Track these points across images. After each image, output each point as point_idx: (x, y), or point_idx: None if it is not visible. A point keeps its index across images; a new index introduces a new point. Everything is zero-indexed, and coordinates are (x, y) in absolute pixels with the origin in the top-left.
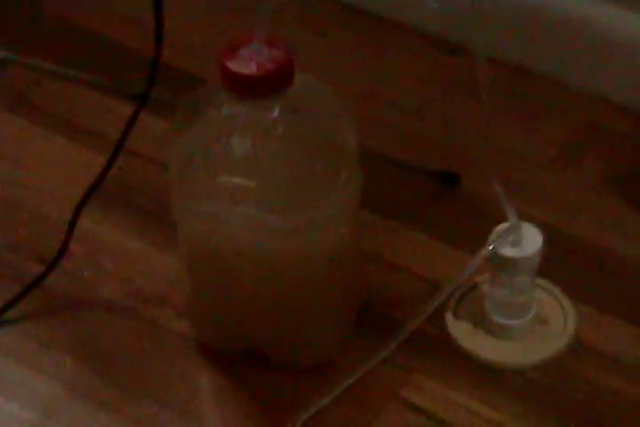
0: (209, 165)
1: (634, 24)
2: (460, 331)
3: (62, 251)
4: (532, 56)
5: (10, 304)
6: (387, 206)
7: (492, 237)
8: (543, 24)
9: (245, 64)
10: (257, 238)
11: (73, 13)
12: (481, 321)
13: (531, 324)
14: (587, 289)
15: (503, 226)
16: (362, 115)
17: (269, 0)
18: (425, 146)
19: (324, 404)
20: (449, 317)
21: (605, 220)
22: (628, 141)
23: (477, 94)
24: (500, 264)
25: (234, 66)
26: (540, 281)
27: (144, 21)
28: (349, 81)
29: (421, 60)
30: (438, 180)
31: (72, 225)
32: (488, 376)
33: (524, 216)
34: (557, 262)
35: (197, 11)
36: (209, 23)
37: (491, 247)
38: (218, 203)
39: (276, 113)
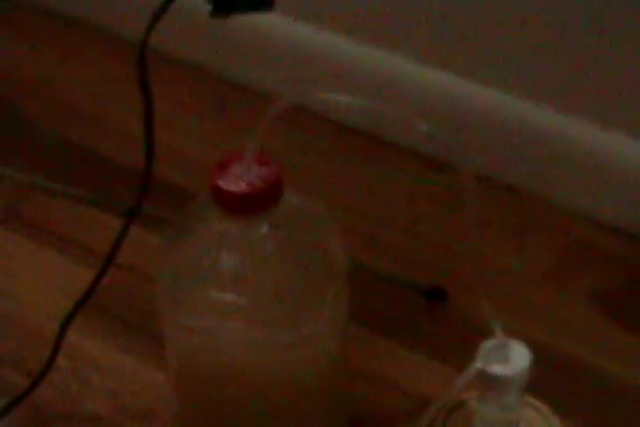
0: (198, 280)
1: (621, 145)
2: None
3: (49, 364)
4: (520, 174)
5: None
6: (375, 321)
7: (480, 354)
8: (530, 143)
9: (235, 182)
10: (246, 353)
11: (64, 128)
12: None
13: None
14: (575, 407)
15: (490, 343)
16: (352, 230)
17: (261, 121)
18: (414, 262)
19: None
20: None
21: (594, 338)
22: (616, 259)
23: (465, 210)
24: (487, 381)
25: (224, 184)
26: (528, 398)
27: (135, 136)
28: (339, 197)
29: (410, 177)
30: (427, 295)
31: (59, 339)
32: None
33: (512, 333)
34: (545, 380)
35: (188, 125)
36: (201, 138)
37: (478, 365)
38: (207, 318)
39: (265, 230)
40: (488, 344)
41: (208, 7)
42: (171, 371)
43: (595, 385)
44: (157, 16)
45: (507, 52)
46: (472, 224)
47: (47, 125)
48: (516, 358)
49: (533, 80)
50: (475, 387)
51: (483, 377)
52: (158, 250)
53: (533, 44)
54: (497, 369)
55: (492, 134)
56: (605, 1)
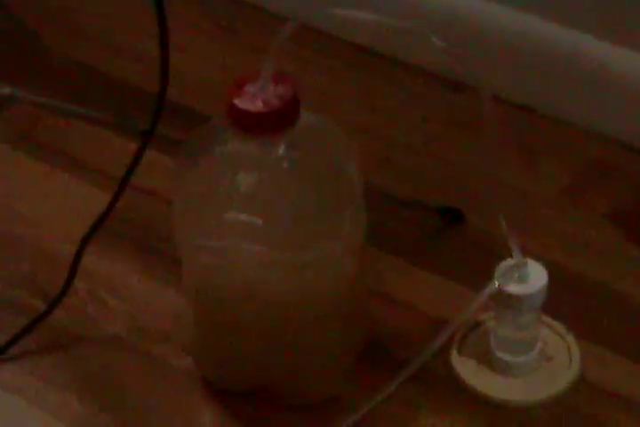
0: (215, 201)
1: (636, 63)
2: (465, 368)
3: (66, 287)
4: (535, 95)
5: (13, 341)
6: (391, 243)
7: (497, 273)
8: (546, 63)
9: (251, 101)
10: (263, 274)
11: (77, 50)
12: (486, 358)
13: (535, 361)
14: (591, 326)
15: (508, 262)
16: (366, 152)
17: (277, 38)
18: (429, 183)
19: None
20: (454, 354)
21: (610, 257)
22: (632, 179)
23: (481, 132)
24: (504, 301)
25: (240, 103)
26: (545, 318)
27: (149, 59)
28: (354, 118)
29: (425, 97)
30: (443, 217)
31: (76, 261)
32: (494, 413)
33: (528, 253)
34: (562, 300)
35: (203, 48)
36: (214, 60)
37: (496, 284)
38: (223, 239)
39: (281, 150)
40: (505, 264)
41: None
42: (187, 293)
43: (611, 305)
44: None
45: None
46: (488, 144)
47: (61, 49)
48: (532, 278)
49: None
50: (491, 308)
51: (500, 297)
52: (174, 172)
53: None
54: (514, 288)
55: (507, 54)
56: None
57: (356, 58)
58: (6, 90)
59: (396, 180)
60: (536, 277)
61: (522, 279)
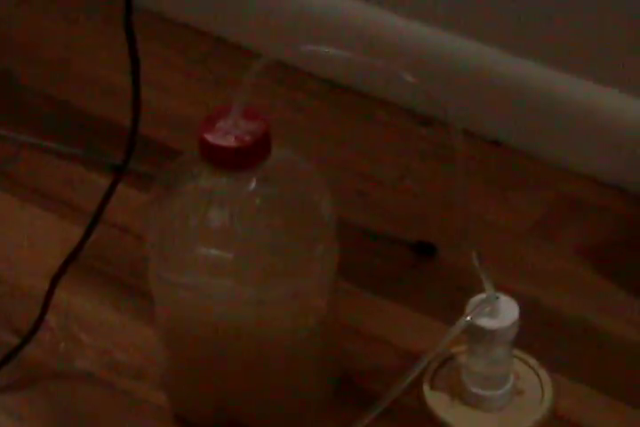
0: (186, 236)
1: (609, 99)
2: (438, 402)
3: (38, 322)
4: (505, 129)
5: None
6: (364, 277)
7: (469, 307)
8: (516, 97)
9: (223, 137)
10: (234, 310)
11: (48, 85)
12: (458, 392)
13: (508, 395)
14: (563, 360)
15: (480, 297)
16: (340, 186)
17: (248, 75)
18: (402, 217)
19: None
20: (426, 388)
21: (582, 292)
22: (604, 213)
23: (453, 166)
24: (476, 335)
25: (212, 138)
26: (517, 352)
27: (121, 93)
28: (327, 153)
29: (398, 132)
30: (415, 250)
31: (48, 297)
32: None
33: (501, 287)
34: (534, 334)
35: (175, 83)
36: (187, 95)
37: (467, 318)
38: (195, 274)
39: (253, 185)
40: (477, 298)
41: None
42: (160, 328)
43: (584, 338)
44: None
45: (494, 7)
46: (460, 179)
47: (33, 83)
48: (504, 312)
49: (520, 35)
50: (464, 342)
51: (472, 331)
52: (146, 207)
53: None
54: (486, 322)
55: (478, 89)
56: None
57: (329, 93)
58: None
59: (370, 214)
60: (508, 311)
61: (493, 313)
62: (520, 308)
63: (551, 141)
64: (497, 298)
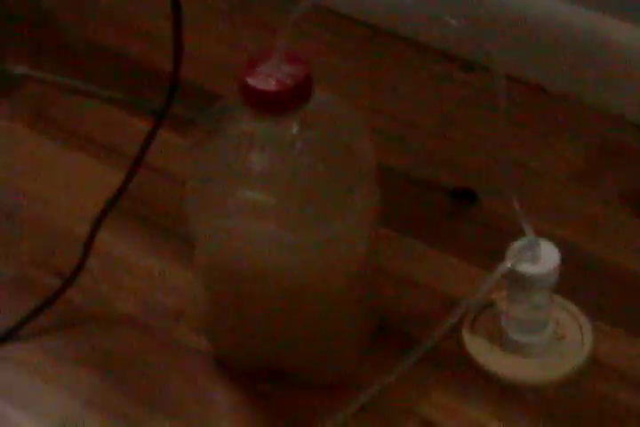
0: (228, 180)
1: None
2: (477, 348)
3: (80, 266)
4: (550, 74)
5: (27, 319)
6: (404, 223)
7: (510, 253)
8: (561, 43)
9: (264, 80)
10: (275, 254)
11: (91, 30)
12: (498, 338)
13: (547, 341)
14: (603, 306)
15: (521, 242)
16: (380, 132)
17: (290, 16)
18: (443, 163)
19: (341, 421)
20: (466, 333)
21: (622, 237)
22: None
23: (495, 112)
24: (517, 281)
25: (253, 82)
26: (557, 298)
27: (163, 38)
28: (368, 99)
29: (440, 78)
30: (456, 197)
31: (90, 240)
32: (505, 393)
33: (541, 233)
34: (574, 279)
35: (216, 27)
36: (227, 40)
37: (508, 264)
38: (236, 219)
39: (294, 129)
40: (518, 244)
41: None
42: (199, 272)
43: (623, 285)
44: None
45: None
46: (502, 125)
47: (76, 28)
48: (545, 258)
49: None
50: (504, 288)
51: (513, 276)
52: (187, 151)
53: None
54: (527, 268)
55: (522, 33)
56: None
57: (370, 38)
58: (21, 69)
59: (411, 160)
60: (549, 256)
61: (534, 259)
62: (561, 254)
63: (595, 87)
64: (538, 243)
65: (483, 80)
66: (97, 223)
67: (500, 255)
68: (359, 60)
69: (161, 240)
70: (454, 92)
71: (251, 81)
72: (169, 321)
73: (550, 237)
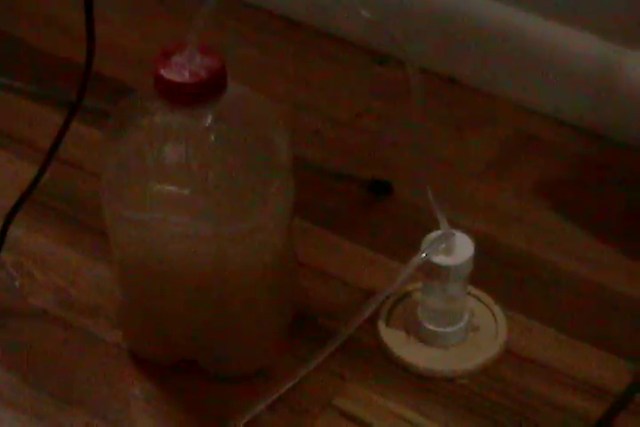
0: (142, 172)
1: (562, 35)
2: (393, 339)
3: None
4: (462, 66)
5: None
6: (320, 215)
7: (425, 244)
8: (471, 34)
9: (178, 72)
10: (190, 246)
11: (4, 21)
12: (413, 329)
13: (462, 331)
14: (517, 297)
15: (435, 234)
16: (295, 124)
17: (203, 8)
18: (358, 156)
19: (257, 412)
20: (381, 325)
21: (536, 229)
22: (558, 151)
23: (409, 104)
24: (432, 272)
25: (167, 74)
26: (472, 289)
27: (75, 28)
28: (283, 91)
29: (354, 70)
30: (371, 189)
31: (3, 234)
32: (421, 384)
33: (456, 226)
34: (489, 271)
35: (129, 18)
36: (141, 31)
37: (423, 255)
38: (151, 211)
39: (208, 121)
40: (432, 235)
41: None
42: (116, 265)
43: (537, 275)
44: None
45: None
46: (416, 116)
47: None
48: (460, 249)
49: None
50: (419, 279)
51: (428, 267)
52: (100, 144)
53: None
54: (441, 259)
55: (433, 24)
56: None
57: (286, 31)
58: None
59: (326, 152)
60: (463, 248)
61: (449, 250)
62: (475, 246)
63: (508, 79)
64: (452, 234)
65: (396, 72)
66: (9, 218)
67: (415, 247)
68: (274, 52)
69: (76, 234)
70: (369, 85)
71: (165, 73)
72: (84, 315)
73: (465, 229)
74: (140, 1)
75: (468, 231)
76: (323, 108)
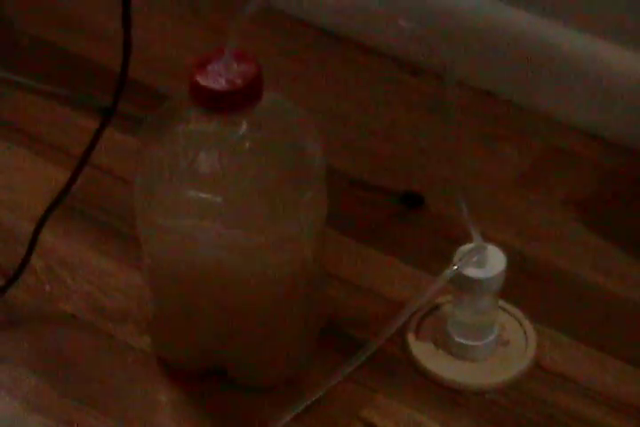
0: (176, 179)
1: (597, 50)
2: (422, 351)
3: (24, 264)
4: (497, 79)
5: None
6: (352, 226)
7: (456, 257)
8: (508, 48)
9: (214, 79)
10: (222, 255)
11: (39, 27)
12: (443, 342)
13: (492, 345)
14: (547, 312)
15: (467, 246)
16: (329, 135)
17: (240, 16)
18: (391, 167)
19: (285, 423)
20: (411, 337)
21: (567, 243)
22: (590, 165)
23: (443, 116)
24: (463, 285)
25: (203, 81)
26: (502, 303)
27: (111, 36)
28: (317, 102)
29: (388, 82)
30: (403, 200)
31: (34, 239)
32: (449, 397)
33: (488, 238)
34: (519, 285)
35: (165, 27)
36: (177, 39)
37: (454, 267)
38: (184, 218)
39: (243, 129)
40: (464, 248)
41: None
42: (146, 272)
43: (567, 290)
44: None
45: None
46: (450, 129)
47: (24, 24)
48: (491, 262)
49: None
50: (449, 292)
51: (458, 280)
52: (134, 150)
53: None
54: (473, 272)
55: (469, 37)
56: None
57: (319, 40)
58: None
59: (359, 163)
60: (495, 261)
61: (480, 263)
62: (507, 259)
63: (541, 93)
64: (484, 248)
65: (429, 85)
66: (41, 222)
67: (446, 260)
68: (308, 62)
69: (107, 240)
70: (402, 97)
71: (201, 80)
72: (114, 321)
73: (497, 242)
74: (175, 10)
75: (499, 244)
76: (356, 118)
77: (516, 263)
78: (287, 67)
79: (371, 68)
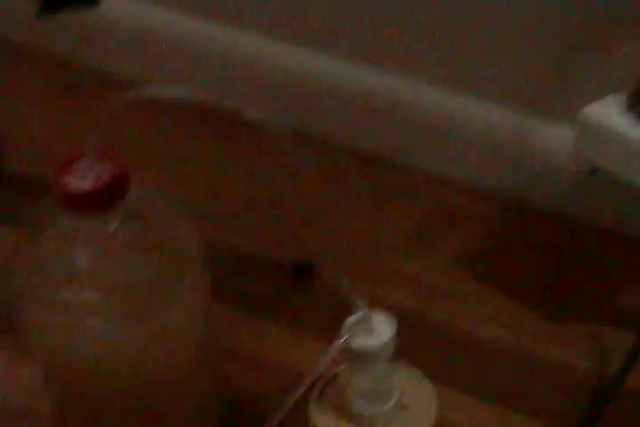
0: (53, 277)
1: (467, 106)
2: (325, 421)
3: None
4: (372, 142)
5: None
6: (243, 301)
7: (344, 328)
8: (383, 109)
9: (78, 181)
10: (108, 349)
11: None
12: (344, 410)
13: (392, 411)
14: (447, 371)
15: (354, 317)
16: (215, 212)
17: (100, 115)
18: (279, 238)
19: None
20: (313, 408)
21: (461, 300)
22: (478, 220)
23: (327, 184)
24: (354, 354)
25: (66, 184)
26: (399, 366)
27: None
28: (200, 180)
29: (269, 154)
30: (294, 273)
31: None
32: None
33: (379, 300)
34: (415, 346)
35: (38, 114)
36: (50, 127)
37: (342, 340)
38: (64, 316)
39: (114, 225)
40: (352, 318)
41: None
42: (39, 368)
43: (464, 348)
44: None
45: (334, 17)
46: (334, 196)
47: None
48: (379, 330)
49: (377, 46)
50: (346, 360)
51: (350, 350)
52: (11, 250)
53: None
54: (362, 342)
55: (340, 103)
56: None
57: (198, 119)
58: None
59: (248, 237)
60: (383, 329)
61: (368, 332)
62: (402, 320)
63: (421, 152)
64: (369, 317)
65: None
66: None
67: (340, 327)
68: (187, 141)
69: (2, 334)
70: (285, 167)
71: (64, 183)
72: (16, 420)
73: (392, 304)
74: (50, 96)
75: (395, 306)
76: (243, 191)
77: (413, 324)
78: (165, 147)
79: (254, 142)
